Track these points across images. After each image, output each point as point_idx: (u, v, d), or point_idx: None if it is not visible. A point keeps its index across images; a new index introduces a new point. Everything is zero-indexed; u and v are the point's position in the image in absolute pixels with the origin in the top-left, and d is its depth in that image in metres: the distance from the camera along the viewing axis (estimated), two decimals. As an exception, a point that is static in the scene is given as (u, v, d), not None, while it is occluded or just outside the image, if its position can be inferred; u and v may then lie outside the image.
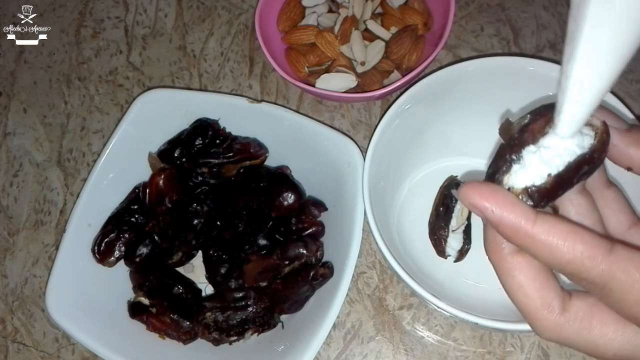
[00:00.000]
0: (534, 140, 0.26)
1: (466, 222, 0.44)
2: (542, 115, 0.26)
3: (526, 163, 0.25)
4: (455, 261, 0.44)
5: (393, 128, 0.41)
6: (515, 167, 0.25)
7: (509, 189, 0.25)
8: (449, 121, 0.46)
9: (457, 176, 0.46)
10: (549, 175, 0.24)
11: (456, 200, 0.44)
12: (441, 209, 0.44)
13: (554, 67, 0.41)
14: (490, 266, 0.46)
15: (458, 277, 0.44)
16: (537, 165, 0.25)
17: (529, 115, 0.27)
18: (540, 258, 0.22)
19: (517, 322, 0.35)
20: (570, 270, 0.21)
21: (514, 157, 0.26)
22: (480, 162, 0.47)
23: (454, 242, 0.44)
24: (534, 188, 0.24)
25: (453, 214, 0.44)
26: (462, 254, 0.44)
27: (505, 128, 0.28)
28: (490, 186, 0.22)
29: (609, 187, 0.26)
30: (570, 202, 0.25)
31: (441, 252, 0.44)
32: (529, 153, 0.25)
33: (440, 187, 0.46)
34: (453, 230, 0.44)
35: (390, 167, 0.44)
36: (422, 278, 0.39)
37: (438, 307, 0.36)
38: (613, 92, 0.40)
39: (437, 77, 0.42)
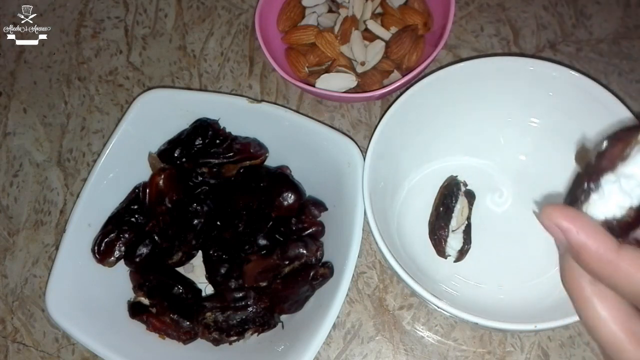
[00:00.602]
0: (613, 167, 0.24)
1: (466, 222, 0.44)
2: (620, 140, 0.25)
3: (605, 193, 0.24)
4: (455, 261, 0.44)
5: (393, 127, 0.41)
6: (594, 197, 0.24)
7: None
8: (449, 121, 0.46)
9: (457, 176, 0.46)
10: (631, 207, 0.23)
11: (456, 200, 0.44)
12: (441, 209, 0.44)
13: (554, 66, 0.41)
14: (490, 266, 0.47)
15: (458, 277, 0.44)
16: (617, 195, 0.24)
17: (606, 141, 0.25)
18: (622, 290, 0.20)
19: (516, 322, 0.35)
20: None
21: (592, 186, 0.24)
22: (480, 162, 0.47)
23: (454, 242, 0.44)
24: (614, 221, 0.23)
25: (453, 214, 0.44)
26: (462, 253, 0.44)
27: (581, 155, 0.28)
28: (575, 210, 0.21)
29: None
30: None
31: (441, 252, 0.44)
32: (608, 182, 0.24)
33: (441, 187, 0.46)
34: (453, 230, 0.44)
35: (390, 167, 0.44)
36: (421, 278, 0.39)
37: (438, 307, 0.36)
38: (613, 92, 0.40)
39: (437, 77, 0.42)
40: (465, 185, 0.45)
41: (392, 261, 0.37)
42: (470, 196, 0.45)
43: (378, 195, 0.41)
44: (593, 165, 0.25)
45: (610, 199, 0.24)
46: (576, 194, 0.25)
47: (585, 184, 0.25)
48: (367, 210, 0.38)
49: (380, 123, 0.40)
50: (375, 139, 0.40)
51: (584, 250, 0.20)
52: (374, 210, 0.38)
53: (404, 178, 0.47)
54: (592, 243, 0.20)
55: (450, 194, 0.44)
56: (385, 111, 0.41)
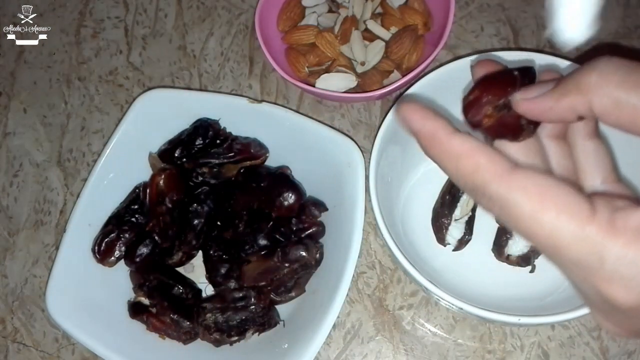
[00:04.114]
0: None
1: (470, 214, 0.45)
2: None
3: (516, 239, 0.42)
4: (454, 250, 0.45)
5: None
6: (510, 242, 0.43)
7: (508, 256, 0.43)
8: (457, 115, 0.46)
9: None
10: (531, 246, 0.41)
11: (463, 191, 0.44)
12: (447, 197, 0.44)
13: (555, 59, 0.41)
14: (488, 260, 0.47)
15: (456, 266, 0.45)
16: (523, 240, 0.37)
17: None
18: (447, 169, 0.23)
19: (499, 313, 0.35)
20: (472, 183, 0.21)
21: (508, 236, 0.43)
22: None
23: (455, 231, 0.44)
24: (521, 255, 0.42)
25: (458, 204, 0.44)
26: (461, 243, 0.44)
27: None
28: (420, 106, 0.23)
29: (591, 139, 0.25)
30: (547, 149, 0.24)
31: (441, 239, 0.44)
32: None
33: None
34: (456, 220, 0.44)
35: (396, 162, 0.44)
36: (419, 263, 0.39)
37: (441, 299, 0.36)
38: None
39: (443, 71, 0.42)
40: None
41: (394, 248, 0.37)
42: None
43: (384, 191, 0.41)
44: None
45: (520, 242, 0.42)
46: (500, 242, 0.43)
47: (503, 236, 0.43)
48: (375, 209, 0.38)
49: (387, 118, 0.40)
50: (381, 135, 0.40)
51: (420, 134, 0.23)
52: (381, 208, 0.38)
53: (411, 170, 0.47)
54: (426, 127, 0.22)
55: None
56: (391, 107, 0.41)
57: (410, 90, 0.41)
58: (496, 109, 0.23)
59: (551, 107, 0.22)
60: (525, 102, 0.23)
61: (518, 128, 0.23)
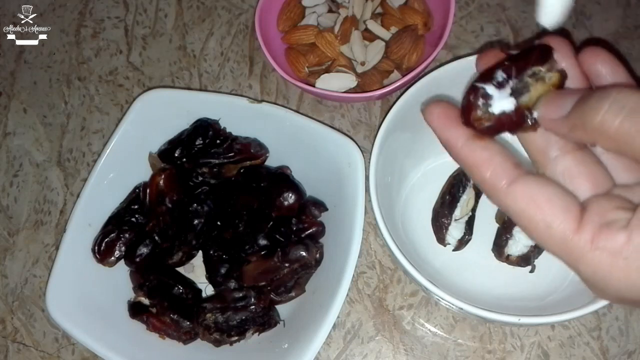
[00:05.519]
0: None
1: (470, 214, 0.45)
2: None
3: (516, 239, 0.42)
4: (454, 250, 0.45)
5: (399, 122, 0.41)
6: (510, 242, 0.42)
7: (508, 256, 0.43)
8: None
9: None
10: (531, 246, 0.42)
11: (464, 191, 0.44)
12: (447, 197, 0.44)
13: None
14: (488, 260, 0.47)
15: (456, 265, 0.45)
16: (523, 240, 0.42)
17: None
18: (465, 171, 0.25)
19: (499, 313, 0.35)
20: (482, 188, 0.24)
21: (508, 236, 0.42)
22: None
23: (455, 231, 0.44)
24: (521, 255, 0.42)
25: (458, 204, 0.44)
26: (461, 243, 0.45)
27: (499, 215, 0.45)
28: (439, 112, 0.24)
29: None
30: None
31: (441, 239, 0.45)
32: (517, 231, 0.42)
33: (450, 176, 0.46)
34: (456, 220, 0.44)
35: (396, 162, 0.44)
36: (419, 264, 0.39)
37: (441, 299, 0.36)
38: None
39: (443, 71, 0.42)
40: None
41: (394, 248, 0.37)
42: (479, 189, 0.46)
43: (384, 191, 0.41)
44: (507, 221, 0.43)
45: (520, 242, 0.42)
46: (500, 242, 0.43)
47: (504, 236, 0.43)
48: (375, 209, 0.38)
49: (387, 117, 0.40)
50: (381, 135, 0.40)
51: (442, 141, 0.25)
52: (381, 208, 0.38)
53: (411, 171, 0.47)
54: (445, 136, 0.24)
55: (459, 184, 0.44)
56: (391, 107, 0.41)
57: (410, 90, 0.41)
58: (485, 113, 0.23)
59: (565, 134, 0.23)
60: (546, 121, 0.24)
61: (516, 124, 0.24)
